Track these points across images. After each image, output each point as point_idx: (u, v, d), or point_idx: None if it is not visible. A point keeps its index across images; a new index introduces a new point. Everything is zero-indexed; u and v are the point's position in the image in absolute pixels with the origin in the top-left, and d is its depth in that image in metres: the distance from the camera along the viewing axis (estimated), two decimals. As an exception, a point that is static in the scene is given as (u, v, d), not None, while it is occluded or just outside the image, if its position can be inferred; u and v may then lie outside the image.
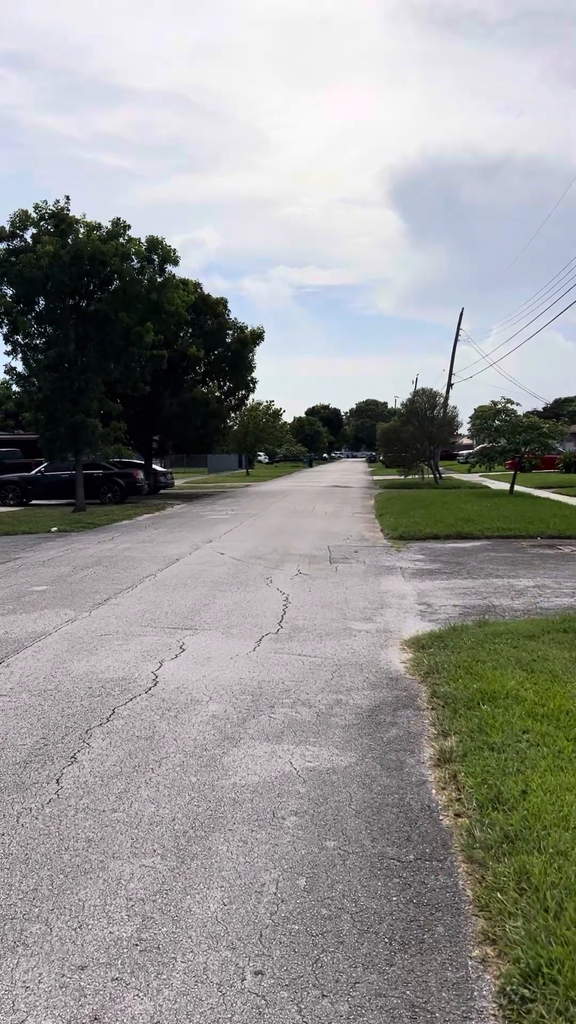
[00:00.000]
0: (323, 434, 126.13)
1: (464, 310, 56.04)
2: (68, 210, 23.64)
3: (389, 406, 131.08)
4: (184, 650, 7.12)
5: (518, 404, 26.62)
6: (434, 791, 4.11)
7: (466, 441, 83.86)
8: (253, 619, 8.39)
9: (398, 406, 73.14)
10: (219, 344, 33.52)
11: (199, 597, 9.70)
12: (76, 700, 5.72)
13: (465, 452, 73.72)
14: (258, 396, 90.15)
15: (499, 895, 3.00)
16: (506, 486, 32.68)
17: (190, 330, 33.08)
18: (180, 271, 33.12)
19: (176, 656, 6.91)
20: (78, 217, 23.73)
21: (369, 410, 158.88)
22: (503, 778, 3.97)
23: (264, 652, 7.01)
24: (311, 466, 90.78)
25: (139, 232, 23.82)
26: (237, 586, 10.44)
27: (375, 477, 49.33)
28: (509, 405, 26.06)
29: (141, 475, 29.56)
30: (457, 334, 50.04)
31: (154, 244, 24.64)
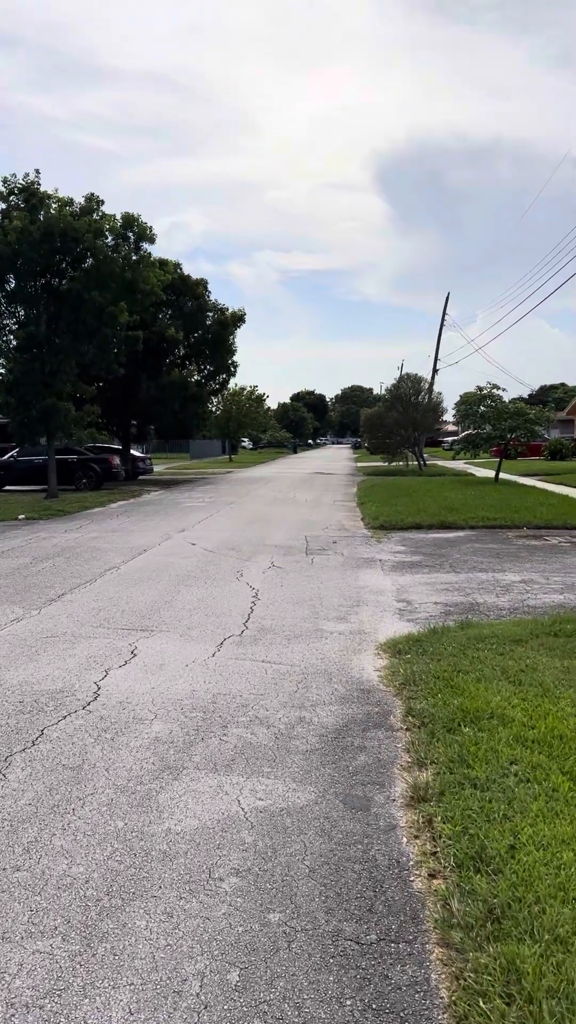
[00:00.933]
0: (308, 420, 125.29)
1: (450, 294, 55.23)
2: (39, 184, 22.66)
3: (374, 392, 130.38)
4: (135, 655, 6.42)
5: (504, 389, 26.01)
6: (405, 840, 3.44)
7: (450, 428, 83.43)
8: (217, 619, 7.70)
9: (383, 392, 72.46)
10: (199, 326, 32.65)
11: (161, 593, 9.00)
12: (1, 718, 5.01)
13: (450, 439, 73.20)
14: (242, 381, 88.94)
15: (481, 1003, 2.34)
16: (491, 474, 32.12)
17: (169, 312, 32.18)
18: (165, 254, 32.14)
19: (125, 663, 6.21)
20: (50, 192, 22.76)
21: (354, 396, 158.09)
22: (487, 826, 3.31)
23: (224, 658, 6.33)
24: (295, 452, 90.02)
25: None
26: (204, 580, 9.74)
27: (359, 464, 48.67)
28: (495, 390, 25.42)
29: (117, 460, 28.74)
30: (443, 318, 49.32)
31: (129, 221, 23.71)
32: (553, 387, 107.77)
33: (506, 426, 24.32)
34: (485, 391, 25.38)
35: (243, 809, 3.75)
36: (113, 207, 23.02)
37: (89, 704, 5.26)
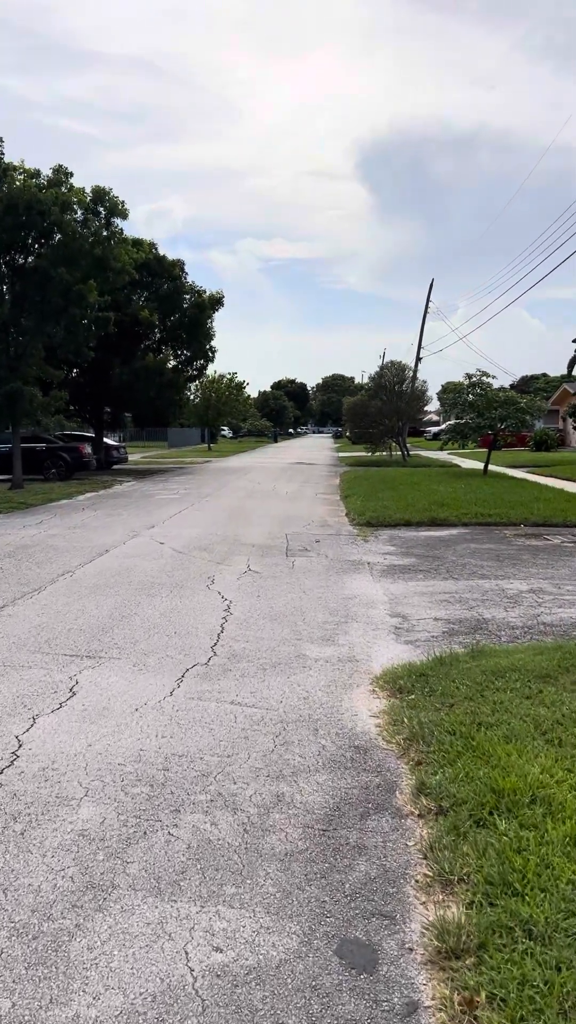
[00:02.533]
0: (289, 409, 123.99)
1: (434, 281, 53.96)
2: (2, 154, 21.15)
3: (356, 381, 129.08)
4: (75, 694, 5.20)
5: (493, 377, 24.86)
6: (435, 1037, 2.27)
7: (431, 418, 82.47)
8: (180, 640, 6.48)
9: (365, 381, 71.16)
10: (176, 309, 31.23)
11: (118, 605, 7.76)
12: None
13: (433, 429, 72.31)
14: (222, 368, 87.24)
15: None
16: (477, 465, 31.08)
17: (145, 294, 30.77)
18: (146, 236, 30.61)
19: (60, 706, 4.98)
20: (15, 164, 21.25)
21: (336, 385, 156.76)
22: (564, 1026, 2.14)
23: (185, 698, 5.12)
24: (276, 441, 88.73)
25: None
26: (170, 589, 8.51)
27: (341, 454, 47.50)
28: (484, 378, 24.29)
29: (88, 449, 27.37)
30: (427, 305, 48.09)
31: (100, 195, 22.24)
32: (535, 377, 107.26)
33: (496, 415, 23.21)
34: (474, 378, 24.24)
35: (192, 970, 2.56)
36: (72, 172, 21.39)
37: (2, 771, 4.03)
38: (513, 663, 5.46)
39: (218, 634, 6.67)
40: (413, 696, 4.98)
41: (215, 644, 6.36)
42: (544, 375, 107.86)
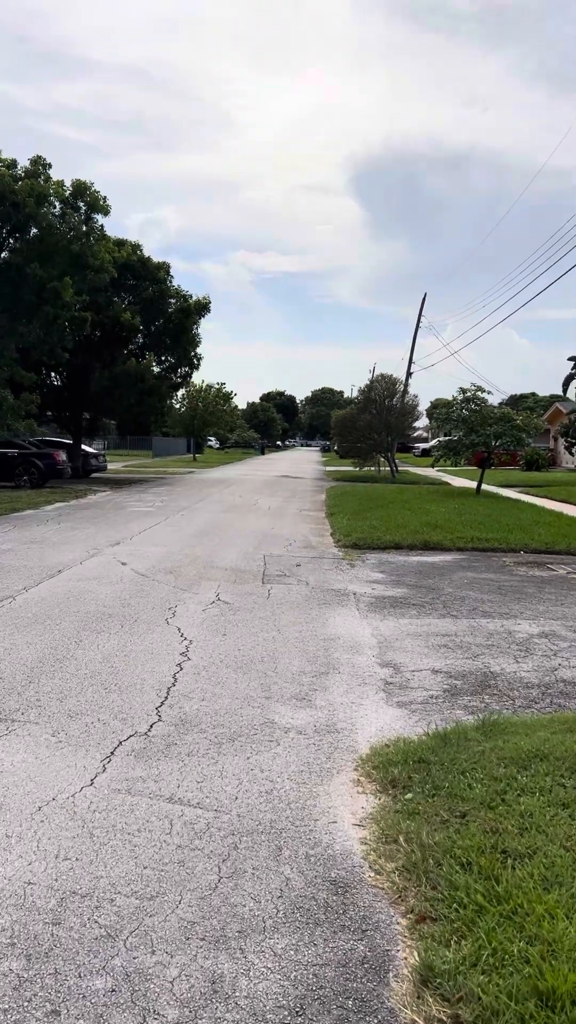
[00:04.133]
0: (277, 421, 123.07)
1: (427, 295, 53.20)
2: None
3: (345, 395, 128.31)
4: (-36, 781, 3.94)
5: (489, 392, 23.81)
6: None
7: (421, 434, 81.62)
8: (120, 697, 5.23)
9: (354, 395, 70.22)
10: (160, 314, 30.07)
11: (55, 644, 6.50)
12: None
13: (420, 445, 71.36)
14: (210, 378, 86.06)
15: None
16: (468, 483, 30.02)
17: (129, 297, 29.61)
18: (139, 243, 29.47)
19: None
20: (-9, 153, 20.11)
21: (325, 398, 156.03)
22: None
23: (108, 790, 3.87)
24: (263, 453, 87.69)
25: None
26: (122, 623, 7.26)
27: (328, 468, 46.39)
28: (479, 393, 23.21)
29: (63, 456, 26.07)
30: (419, 319, 47.24)
31: (80, 189, 21.15)
32: (523, 396, 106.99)
33: (491, 432, 22.11)
34: (469, 393, 23.16)
35: None
36: (51, 164, 20.13)
37: None
38: (537, 746, 4.24)
39: (168, 688, 5.42)
40: (411, 795, 3.75)
41: (162, 704, 5.11)
42: (533, 394, 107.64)
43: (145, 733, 4.59)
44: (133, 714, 4.90)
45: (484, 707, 5.24)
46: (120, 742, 4.45)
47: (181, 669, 5.87)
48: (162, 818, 3.59)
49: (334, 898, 3.00)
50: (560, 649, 6.77)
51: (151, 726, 4.71)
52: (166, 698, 5.22)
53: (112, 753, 4.30)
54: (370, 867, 3.23)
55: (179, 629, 7.07)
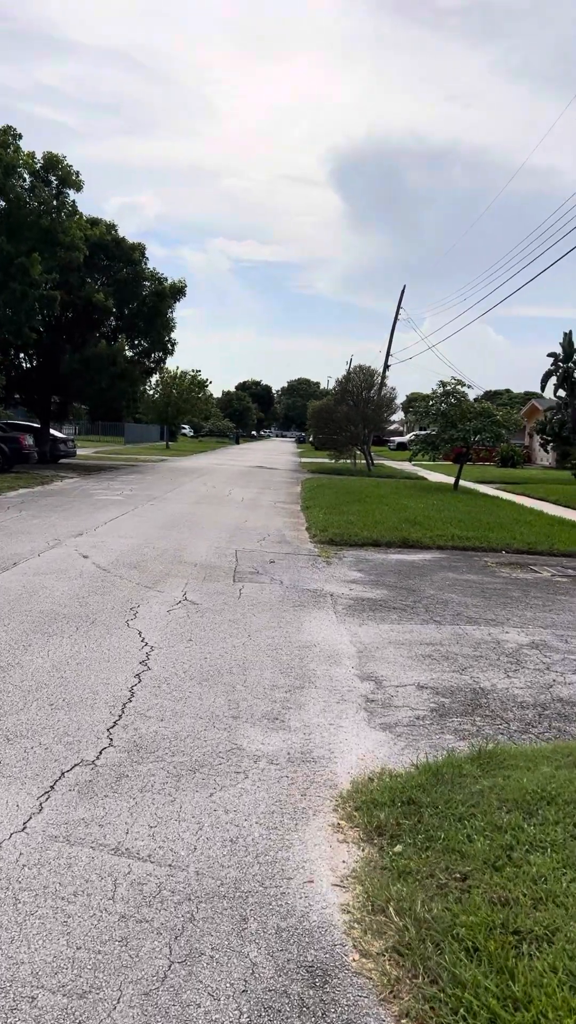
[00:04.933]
0: (252, 411, 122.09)
1: (406, 287, 52.65)
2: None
3: (322, 386, 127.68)
4: None
5: (469, 386, 23.35)
6: None
7: (396, 428, 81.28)
8: (68, 715, 4.61)
9: (331, 386, 69.60)
10: (134, 297, 29.16)
11: None
12: None
13: (396, 439, 70.97)
14: (185, 365, 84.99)
15: None
16: (444, 478, 29.62)
17: (103, 279, 28.68)
18: (114, 222, 28.48)
19: None
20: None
21: (301, 389, 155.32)
22: None
23: (43, 836, 3.26)
24: (237, 443, 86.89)
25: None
26: (77, 625, 6.62)
27: (304, 459, 45.84)
28: (459, 387, 22.74)
29: (30, 440, 25.19)
30: (398, 311, 46.75)
31: (52, 162, 20.27)
32: (498, 392, 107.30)
33: (470, 427, 21.66)
34: (449, 387, 22.68)
35: None
36: (21, 134, 19.02)
37: None
38: (542, 785, 3.70)
39: (124, 704, 4.81)
40: (400, 848, 3.19)
41: (115, 724, 4.50)
42: (508, 391, 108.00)
43: (93, 762, 3.98)
44: (81, 737, 4.29)
45: (476, 731, 4.71)
46: (63, 773, 3.84)
47: (139, 681, 5.26)
48: (105, 876, 2.99)
49: (311, 992, 2.43)
50: (553, 662, 6.27)
51: (100, 752, 4.10)
52: (120, 716, 4.61)
53: (52, 787, 3.68)
54: (354, 945, 2.67)
55: (140, 633, 6.45)
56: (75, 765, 3.93)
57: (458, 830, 3.28)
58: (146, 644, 6.14)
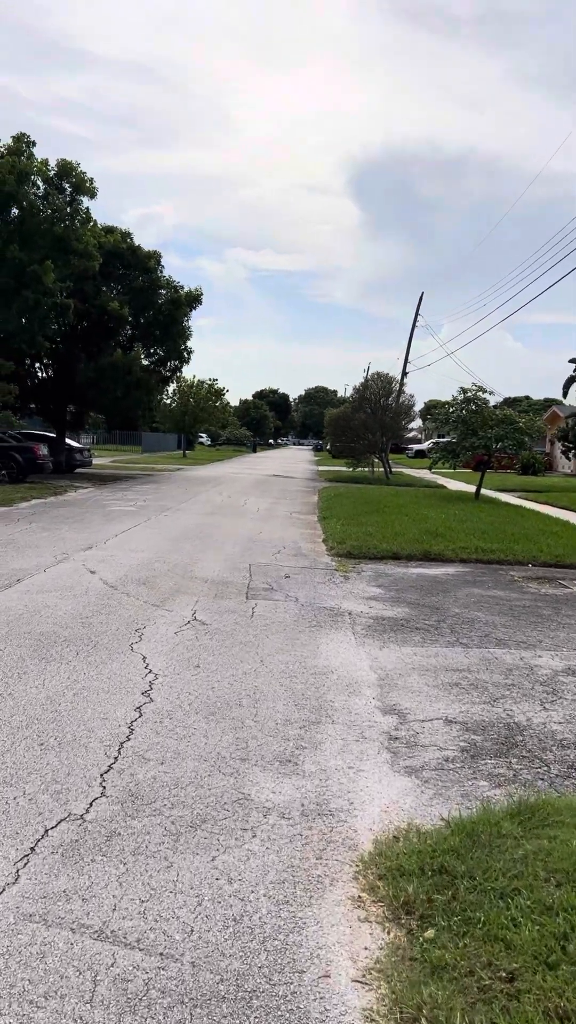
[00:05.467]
0: (269, 419, 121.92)
1: (423, 295, 52.21)
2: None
3: (339, 394, 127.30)
4: None
5: (490, 392, 22.79)
6: None
7: (414, 435, 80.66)
8: (58, 757, 4.17)
9: (348, 394, 69.18)
10: (150, 305, 28.94)
11: (-6, 677, 5.43)
12: None
13: (414, 446, 70.34)
14: (202, 374, 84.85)
15: None
16: (465, 487, 29.04)
17: (118, 287, 28.47)
18: (129, 230, 28.29)
19: None
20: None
21: (318, 397, 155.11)
22: None
23: (13, 916, 2.81)
24: (255, 451, 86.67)
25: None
26: (78, 649, 6.19)
27: (320, 467, 45.37)
28: (480, 393, 22.20)
29: (44, 450, 24.89)
30: (416, 317, 46.28)
31: (66, 169, 20.04)
32: (516, 400, 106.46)
33: (492, 435, 21.11)
34: (469, 393, 22.15)
35: None
36: (35, 142, 18.72)
37: None
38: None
39: (121, 744, 4.36)
40: (433, 932, 2.71)
41: (110, 767, 4.05)
42: (527, 397, 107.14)
43: (81, 816, 3.53)
44: (71, 784, 3.84)
45: (513, 776, 4.21)
46: (46, 831, 3.39)
47: (140, 715, 4.81)
48: (84, 970, 2.53)
49: None
50: (593, 692, 5.75)
51: (91, 804, 3.65)
52: (116, 758, 4.16)
53: (33, 849, 3.24)
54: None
55: (144, 658, 6.01)
56: (61, 820, 3.48)
57: (500, 911, 2.80)
58: (150, 671, 5.70)
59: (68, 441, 31.06)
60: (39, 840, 3.31)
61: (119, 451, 59.87)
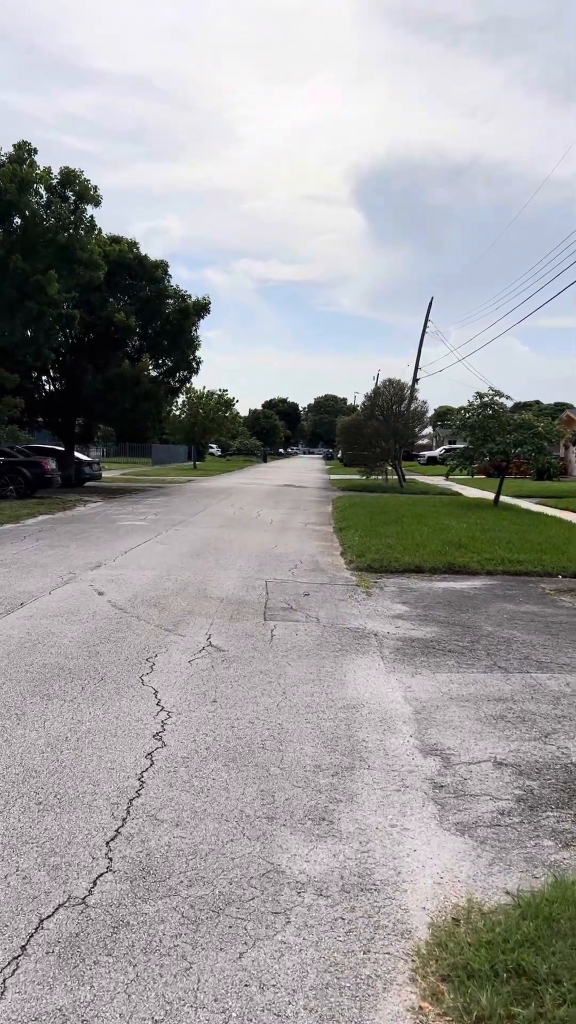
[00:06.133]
0: (279, 428, 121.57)
1: (433, 299, 51.68)
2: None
3: (349, 402, 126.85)
4: None
5: (508, 397, 22.20)
6: None
7: (426, 442, 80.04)
8: (58, 818, 3.63)
9: (358, 402, 68.68)
10: (157, 315, 28.55)
11: (-10, 719, 4.91)
12: None
13: (426, 453, 69.67)
14: (212, 385, 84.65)
15: None
16: (481, 493, 28.44)
17: (125, 298, 28.09)
18: (136, 240, 27.93)
19: None
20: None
21: (328, 405, 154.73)
22: None
23: (1, 1046, 2.28)
24: (265, 461, 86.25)
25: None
26: (83, 683, 5.67)
27: (333, 476, 44.85)
28: (498, 398, 21.63)
29: (52, 464, 24.48)
30: (426, 322, 45.71)
31: (69, 177, 19.66)
32: (527, 404, 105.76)
33: (511, 440, 20.52)
34: (487, 398, 21.58)
35: None
36: (36, 149, 18.35)
37: None
38: None
39: (130, 801, 3.82)
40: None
41: (118, 832, 3.51)
42: (537, 402, 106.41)
43: (83, 900, 3.00)
44: (72, 857, 3.31)
45: (582, 834, 3.65)
46: (42, 920, 2.86)
47: (152, 763, 4.28)
48: None
49: None
50: None
51: (95, 882, 3.12)
52: (125, 820, 3.63)
53: (23, 950, 2.70)
54: None
55: (156, 693, 5.48)
56: (60, 906, 2.95)
57: (602, 1035, 2.24)
58: (162, 708, 5.16)
59: (77, 454, 30.67)
60: (32, 935, 2.78)
61: (129, 464, 59.54)
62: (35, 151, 18.79)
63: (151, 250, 28.09)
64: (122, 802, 3.81)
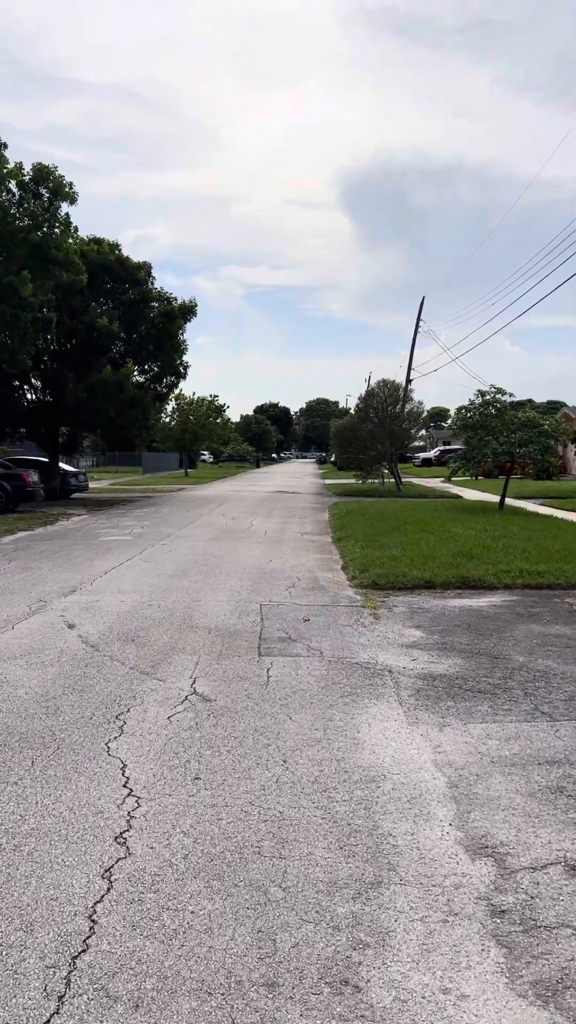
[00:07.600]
0: (271, 433, 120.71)
1: (425, 298, 50.74)
2: None
3: (341, 405, 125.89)
4: None
5: (511, 395, 21.16)
6: None
7: (420, 443, 79.07)
8: (-34, 998, 2.52)
9: (350, 405, 67.65)
10: (142, 319, 27.47)
11: None
12: None
13: (420, 455, 68.66)
14: (202, 392, 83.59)
15: None
16: (482, 496, 27.44)
17: (108, 302, 27.00)
18: (118, 241, 26.86)
19: None
20: None
21: (320, 409, 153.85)
22: None
23: None
24: (258, 467, 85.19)
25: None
26: (34, 756, 4.55)
27: (327, 481, 43.77)
28: (499, 396, 20.59)
29: (34, 477, 23.31)
30: (418, 322, 44.78)
31: (42, 173, 18.58)
32: (521, 404, 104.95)
33: (516, 439, 19.48)
34: (488, 396, 20.55)
35: None
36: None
37: None
38: None
39: (73, 961, 2.71)
40: None
41: (54, 1016, 2.40)
42: (530, 400, 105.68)
43: None
44: None
45: None
46: None
47: (109, 887, 3.17)
48: None
49: None
50: None
51: None
52: (62, 999, 2.52)
53: None
54: None
55: (123, 768, 4.36)
56: None
57: None
58: (130, 792, 4.05)
59: (62, 465, 29.55)
60: None
61: (119, 473, 58.39)
62: (5, 145, 17.73)
63: (139, 258, 26.95)
64: (63, 963, 2.70)
